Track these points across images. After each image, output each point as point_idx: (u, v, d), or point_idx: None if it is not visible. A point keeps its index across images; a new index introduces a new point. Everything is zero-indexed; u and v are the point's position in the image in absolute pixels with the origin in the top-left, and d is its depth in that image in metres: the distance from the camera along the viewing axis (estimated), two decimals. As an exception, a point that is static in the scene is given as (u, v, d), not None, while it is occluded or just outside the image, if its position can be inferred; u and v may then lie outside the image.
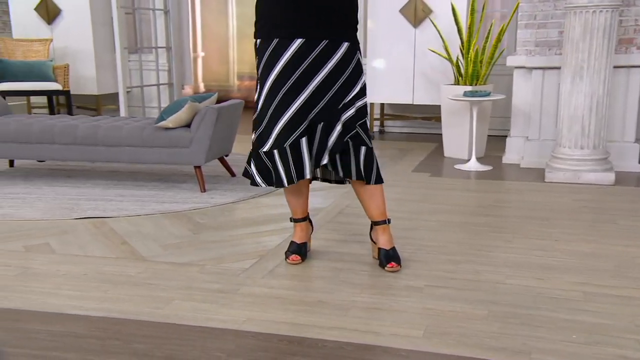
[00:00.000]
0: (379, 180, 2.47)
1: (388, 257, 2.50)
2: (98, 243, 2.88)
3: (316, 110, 2.36)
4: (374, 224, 2.54)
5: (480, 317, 2.07)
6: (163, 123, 3.74)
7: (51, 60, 6.43)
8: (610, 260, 2.61)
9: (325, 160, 2.39)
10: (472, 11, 4.79)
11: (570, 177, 4.08)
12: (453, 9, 4.95)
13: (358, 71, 2.41)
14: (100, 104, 7.00)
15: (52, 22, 6.82)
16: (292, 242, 2.66)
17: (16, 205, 3.53)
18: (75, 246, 2.84)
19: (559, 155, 4.16)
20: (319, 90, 2.35)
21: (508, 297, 2.23)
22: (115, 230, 3.08)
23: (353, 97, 2.40)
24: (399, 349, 1.87)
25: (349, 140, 2.39)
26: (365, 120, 2.44)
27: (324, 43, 2.32)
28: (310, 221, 2.73)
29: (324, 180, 2.66)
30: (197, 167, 3.81)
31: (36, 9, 6.82)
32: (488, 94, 4.56)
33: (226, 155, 4.17)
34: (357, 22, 2.43)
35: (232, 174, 4.26)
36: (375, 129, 6.51)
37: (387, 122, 6.56)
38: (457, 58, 4.96)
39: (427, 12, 5.47)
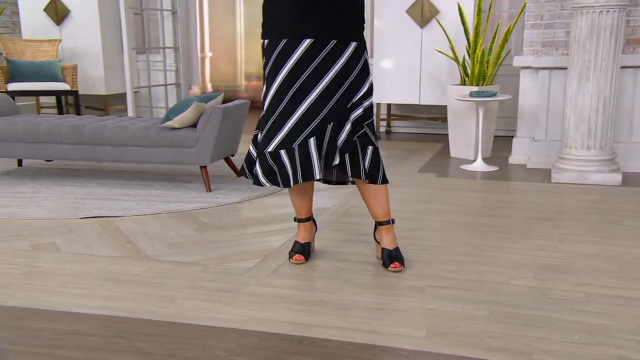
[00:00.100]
0: (385, 180, 2.47)
1: (391, 257, 2.50)
2: (104, 242, 2.90)
3: (325, 110, 2.36)
4: (378, 224, 2.55)
5: (482, 318, 2.07)
6: (169, 123, 3.77)
7: (60, 61, 6.48)
8: (614, 261, 2.60)
9: (337, 161, 2.39)
10: (479, 11, 4.79)
11: (577, 178, 4.06)
12: (460, 9, 4.95)
13: (365, 70, 2.42)
14: (108, 104, 7.04)
15: (61, 23, 6.87)
16: (295, 242, 2.67)
17: (23, 204, 3.57)
18: (81, 245, 2.86)
19: (566, 155, 4.15)
20: (328, 90, 2.35)
21: (510, 297, 2.23)
22: (120, 229, 3.10)
23: (361, 96, 2.41)
24: (400, 349, 1.87)
25: (357, 139, 2.40)
26: (372, 120, 2.46)
27: (332, 43, 2.33)
28: (314, 221, 2.74)
29: (325, 182, 2.66)
30: (203, 167, 3.83)
31: (45, 9, 6.87)
32: (494, 95, 4.55)
33: (232, 155, 4.19)
34: (364, 21, 2.44)
35: (238, 174, 4.27)
36: (382, 129, 6.51)
37: (393, 123, 6.56)
38: (464, 58, 4.95)
39: (434, 12, 5.46)
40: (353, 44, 2.37)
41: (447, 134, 5.22)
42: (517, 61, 4.62)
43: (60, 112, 6.84)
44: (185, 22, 7.22)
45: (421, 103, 5.71)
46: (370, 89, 2.44)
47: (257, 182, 2.47)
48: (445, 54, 5.22)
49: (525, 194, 3.81)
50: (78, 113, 6.49)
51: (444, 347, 1.88)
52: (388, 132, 6.49)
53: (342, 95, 2.37)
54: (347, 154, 2.40)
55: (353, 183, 2.58)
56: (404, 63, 5.67)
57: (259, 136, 2.45)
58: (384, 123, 6.51)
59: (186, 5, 7.19)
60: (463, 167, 4.62)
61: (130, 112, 6.35)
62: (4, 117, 4.31)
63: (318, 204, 3.44)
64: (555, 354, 1.83)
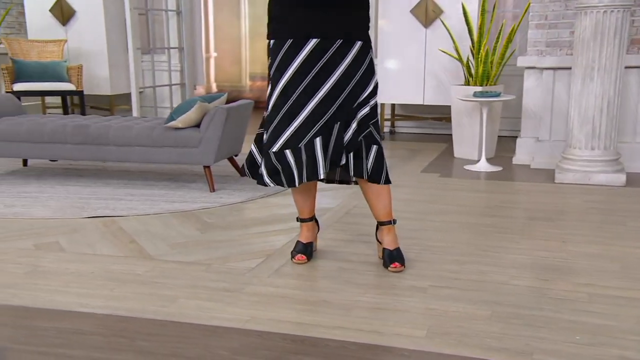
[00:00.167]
0: (387, 181, 2.47)
1: (392, 258, 2.50)
2: (107, 242, 2.92)
3: (332, 110, 2.36)
4: (379, 224, 2.55)
5: (483, 318, 2.07)
6: (173, 123, 3.78)
7: (65, 61, 6.51)
8: (618, 262, 2.59)
9: (344, 161, 2.40)
10: (483, 11, 4.78)
11: (581, 178, 4.05)
12: (464, 10, 4.94)
13: (371, 69, 2.42)
14: (113, 104, 7.06)
15: (67, 23, 6.89)
16: (298, 242, 2.67)
17: (28, 204, 3.58)
18: (85, 245, 2.88)
19: (569, 156, 4.14)
20: (334, 89, 2.35)
21: (512, 297, 2.23)
22: (124, 229, 3.11)
23: (367, 95, 2.41)
24: (401, 349, 1.87)
25: (362, 139, 2.40)
26: (377, 119, 2.46)
27: (338, 42, 2.33)
28: (317, 221, 2.75)
29: (328, 181, 2.66)
30: (207, 167, 3.84)
31: (51, 10, 6.89)
32: (498, 95, 4.54)
33: (236, 155, 4.20)
34: (369, 20, 2.44)
35: (242, 174, 4.28)
36: (386, 129, 6.51)
37: (397, 123, 6.56)
38: (468, 58, 4.95)
39: (438, 12, 5.46)
40: (359, 43, 2.37)
41: (451, 134, 5.21)
42: (521, 61, 4.61)
43: (66, 112, 6.86)
44: (190, 22, 7.24)
45: (425, 103, 5.71)
46: (376, 87, 2.45)
47: (261, 182, 2.47)
48: (449, 54, 5.22)
49: (528, 194, 3.80)
50: (83, 113, 6.51)
51: (445, 347, 1.88)
52: (392, 132, 6.49)
53: (348, 94, 2.37)
54: (352, 153, 2.40)
55: (356, 183, 2.58)
56: (408, 63, 5.67)
57: (264, 136, 2.45)
58: (387, 123, 6.51)
59: (191, 5, 7.20)
60: (467, 167, 4.61)
61: (135, 112, 6.36)
62: (9, 117, 4.33)
63: (321, 204, 3.45)
64: (555, 354, 1.82)
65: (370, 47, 2.44)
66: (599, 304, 2.17)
